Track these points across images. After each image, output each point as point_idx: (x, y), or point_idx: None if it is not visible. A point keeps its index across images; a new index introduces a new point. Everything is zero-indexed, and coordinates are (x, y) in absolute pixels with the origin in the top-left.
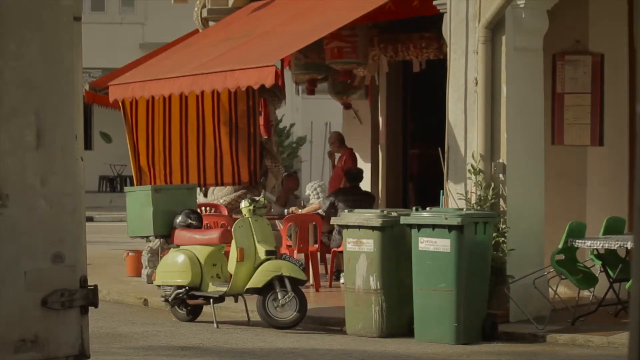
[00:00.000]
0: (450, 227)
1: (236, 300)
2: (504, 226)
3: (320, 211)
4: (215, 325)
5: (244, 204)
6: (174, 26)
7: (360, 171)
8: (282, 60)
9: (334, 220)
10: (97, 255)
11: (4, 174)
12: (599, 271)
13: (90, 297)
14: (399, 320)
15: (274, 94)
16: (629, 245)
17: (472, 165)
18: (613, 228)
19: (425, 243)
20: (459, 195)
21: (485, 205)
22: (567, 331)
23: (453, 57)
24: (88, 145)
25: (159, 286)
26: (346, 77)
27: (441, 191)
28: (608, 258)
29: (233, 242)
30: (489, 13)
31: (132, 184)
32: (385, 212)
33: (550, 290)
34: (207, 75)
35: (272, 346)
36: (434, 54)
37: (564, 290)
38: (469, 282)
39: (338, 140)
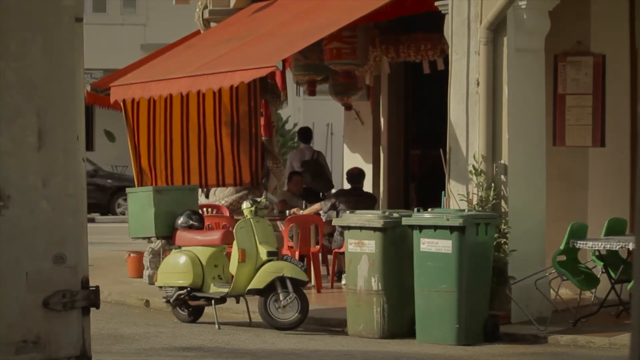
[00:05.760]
0: (451, 228)
1: (238, 301)
2: (505, 227)
3: (321, 213)
4: (216, 326)
5: (245, 205)
6: (176, 27)
7: (362, 172)
8: (284, 61)
9: (335, 221)
10: (98, 256)
11: (5, 174)
12: (600, 272)
13: (91, 298)
14: (400, 321)
15: (276, 94)
16: (631, 246)
17: (473, 166)
18: (615, 229)
19: (426, 244)
20: (460, 196)
21: (487, 206)
22: (568, 332)
23: (455, 58)
24: (90, 146)
25: (160, 287)
26: (347, 78)
27: (443, 192)
28: (609, 259)
29: (235, 243)
30: (490, 14)
31: (133, 185)
32: (386, 213)
33: (551, 291)
34: (208, 76)
35: (273, 347)
36: (435, 55)
37: (566, 291)
38: (471, 283)
39: None
